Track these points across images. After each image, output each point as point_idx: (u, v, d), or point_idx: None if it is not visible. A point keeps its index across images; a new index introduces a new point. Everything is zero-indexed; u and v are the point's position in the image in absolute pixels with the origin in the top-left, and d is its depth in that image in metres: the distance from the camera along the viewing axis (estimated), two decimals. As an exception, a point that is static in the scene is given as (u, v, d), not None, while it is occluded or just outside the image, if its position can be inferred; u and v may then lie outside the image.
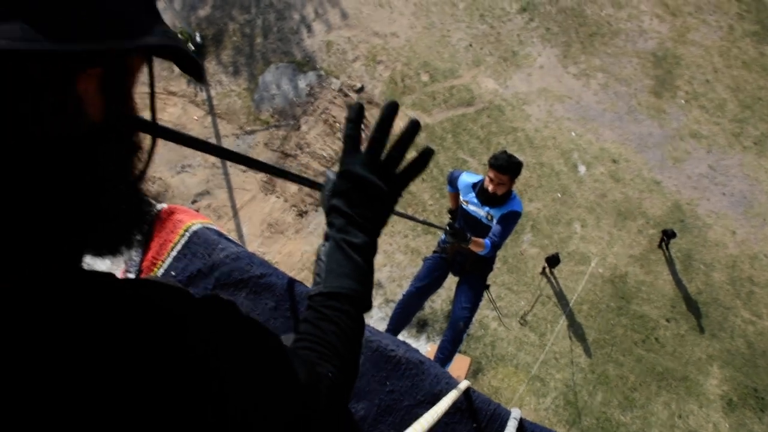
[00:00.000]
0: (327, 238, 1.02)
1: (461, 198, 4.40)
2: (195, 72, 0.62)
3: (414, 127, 0.98)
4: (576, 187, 6.83)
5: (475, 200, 4.26)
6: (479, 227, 4.25)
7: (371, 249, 1.01)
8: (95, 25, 0.49)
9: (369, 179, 0.98)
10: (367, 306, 1.01)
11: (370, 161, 0.98)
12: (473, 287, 4.61)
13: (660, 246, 6.52)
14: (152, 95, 0.66)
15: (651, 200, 6.82)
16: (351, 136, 0.99)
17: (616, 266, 6.42)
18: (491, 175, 3.98)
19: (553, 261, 6.03)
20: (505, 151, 4.06)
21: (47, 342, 0.51)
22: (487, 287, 4.77)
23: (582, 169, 6.95)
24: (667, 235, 6.33)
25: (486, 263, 4.62)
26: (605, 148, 7.10)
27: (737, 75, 7.63)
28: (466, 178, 4.34)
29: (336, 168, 1.11)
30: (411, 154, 0.99)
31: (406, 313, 4.71)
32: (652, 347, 6.05)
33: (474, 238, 3.94)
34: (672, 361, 6.01)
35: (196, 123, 7.16)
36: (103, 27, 0.50)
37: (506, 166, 3.91)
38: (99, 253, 0.67)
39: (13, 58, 0.45)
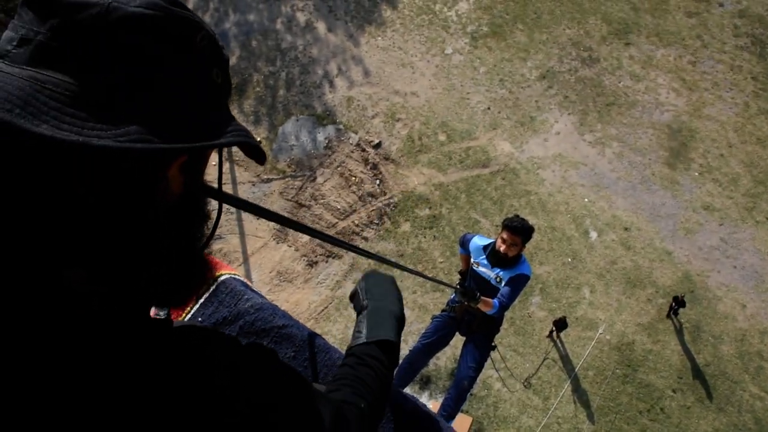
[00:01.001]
0: (366, 306, 1.29)
1: (472, 260, 4.48)
2: (258, 157, 0.73)
3: None
4: (586, 253, 6.87)
5: (486, 262, 4.34)
6: (488, 289, 4.30)
7: (402, 319, 1.27)
8: (191, 129, 0.62)
9: None
10: (396, 360, 1.21)
11: None
12: (479, 347, 4.63)
13: (669, 315, 6.50)
14: (220, 171, 0.79)
15: (661, 270, 6.83)
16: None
17: (623, 333, 6.40)
18: (504, 235, 4.11)
19: (560, 325, 6.02)
20: (518, 215, 4.23)
21: (110, 374, 0.60)
22: (494, 347, 4.78)
23: (593, 235, 7.00)
24: (677, 302, 6.30)
25: (493, 324, 4.65)
26: (617, 216, 7.15)
27: (751, 151, 7.71)
28: (478, 241, 4.45)
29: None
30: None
31: (411, 369, 4.75)
32: (657, 417, 5.97)
33: (483, 298, 4.01)
34: (677, 434, 5.93)
35: (213, 168, 7.29)
36: (196, 130, 0.63)
37: (520, 228, 4.08)
38: (161, 305, 0.81)
39: (130, 153, 0.58)
